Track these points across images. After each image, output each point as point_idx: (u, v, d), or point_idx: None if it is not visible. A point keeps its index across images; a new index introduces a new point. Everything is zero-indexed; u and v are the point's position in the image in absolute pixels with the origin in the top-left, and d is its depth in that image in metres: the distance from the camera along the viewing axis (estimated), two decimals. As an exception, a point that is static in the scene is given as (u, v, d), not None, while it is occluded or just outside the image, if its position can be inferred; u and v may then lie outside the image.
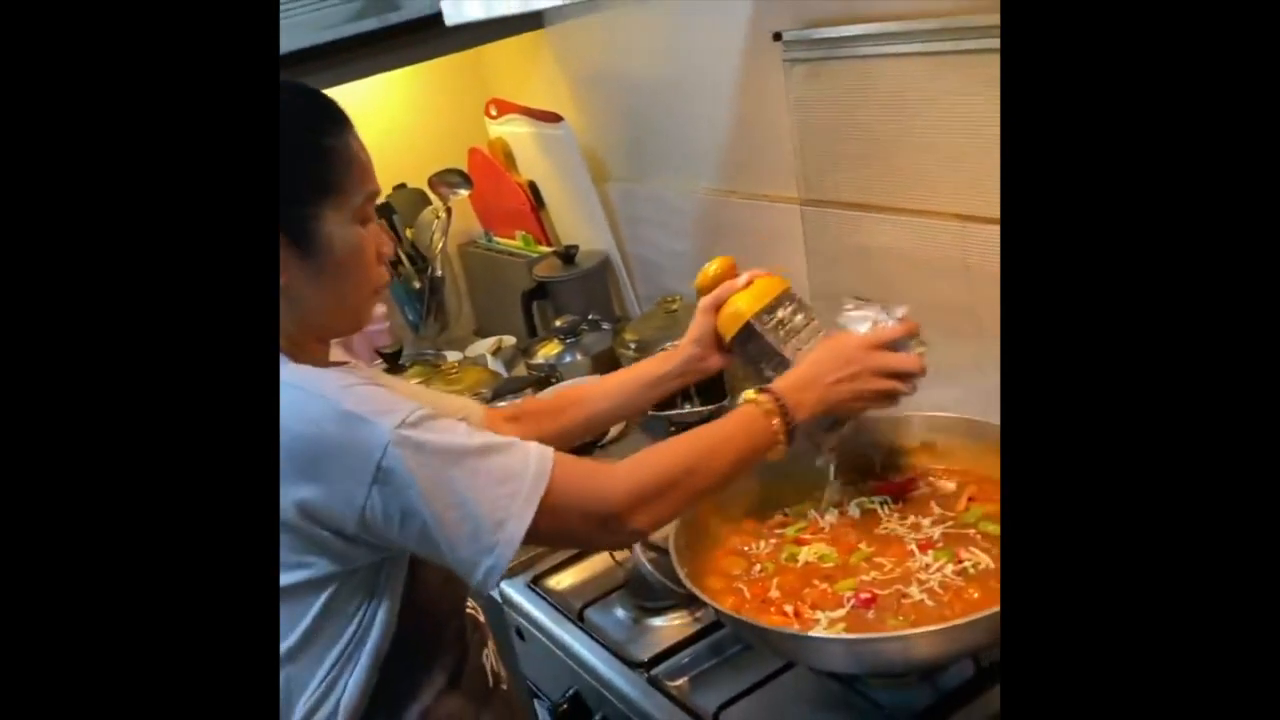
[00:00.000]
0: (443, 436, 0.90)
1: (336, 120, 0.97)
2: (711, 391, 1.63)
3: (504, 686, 1.11)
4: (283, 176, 0.85)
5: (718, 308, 1.23)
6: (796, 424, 1.07)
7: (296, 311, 0.96)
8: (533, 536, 0.91)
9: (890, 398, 1.14)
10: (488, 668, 1.08)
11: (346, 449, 0.88)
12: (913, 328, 1.15)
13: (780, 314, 1.20)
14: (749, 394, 1.09)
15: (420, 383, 1.95)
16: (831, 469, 1.25)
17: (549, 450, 0.95)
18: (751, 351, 1.21)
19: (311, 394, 0.89)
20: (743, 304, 1.20)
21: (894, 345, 1.13)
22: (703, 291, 1.25)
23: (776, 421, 1.06)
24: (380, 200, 2.13)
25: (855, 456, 1.28)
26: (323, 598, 0.94)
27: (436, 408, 1.15)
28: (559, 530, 0.96)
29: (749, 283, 1.22)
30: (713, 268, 1.25)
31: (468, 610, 1.10)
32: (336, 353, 1.09)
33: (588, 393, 1.30)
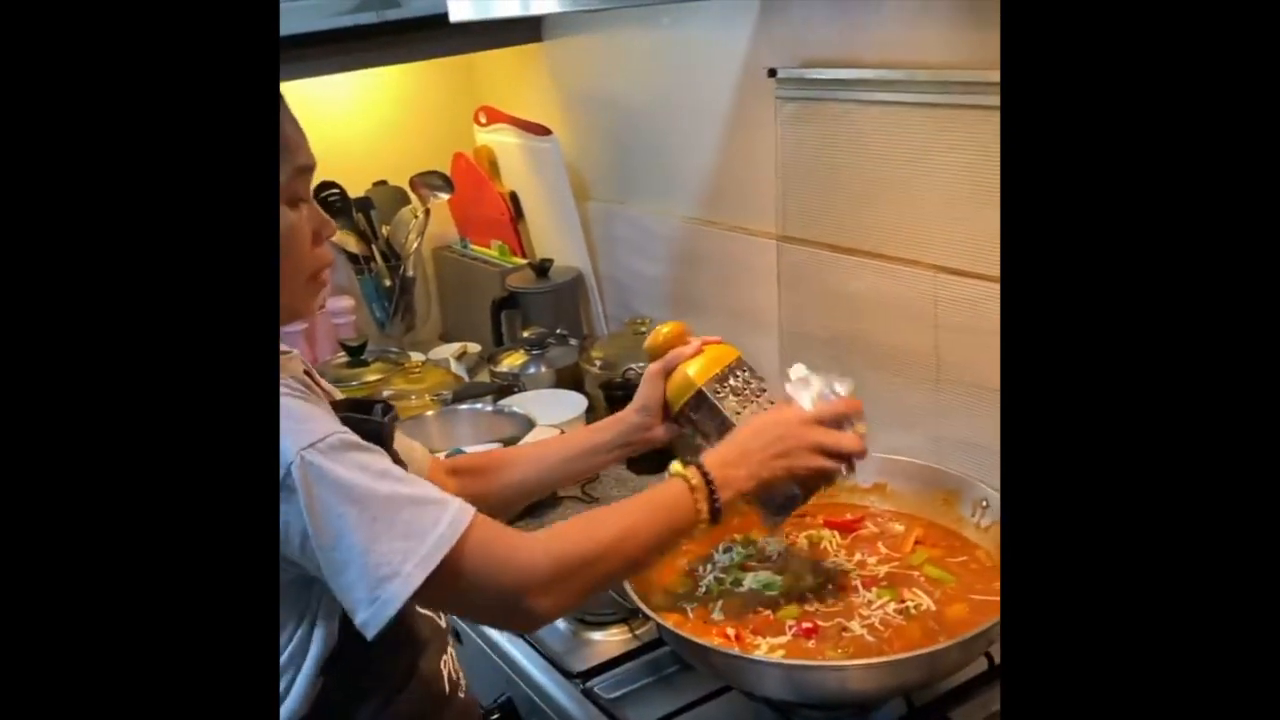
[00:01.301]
0: (350, 472, 0.84)
1: None
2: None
3: (461, 694, 1.07)
4: None
5: (667, 374, 1.16)
6: (722, 504, 1.01)
7: None
8: (425, 600, 0.86)
9: (826, 476, 1.08)
10: (445, 673, 1.04)
11: None
12: (855, 405, 1.10)
13: (733, 383, 1.14)
14: (676, 468, 1.03)
15: (381, 379, 1.95)
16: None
17: (468, 512, 0.88)
18: (700, 422, 1.14)
19: None
20: (695, 372, 1.14)
21: (835, 422, 1.08)
22: (652, 355, 1.19)
23: (702, 501, 1.00)
24: (359, 195, 2.14)
25: None
26: None
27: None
28: (457, 599, 0.91)
29: (699, 350, 1.16)
30: (664, 331, 1.19)
31: (423, 614, 1.05)
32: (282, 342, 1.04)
33: (525, 454, 1.24)
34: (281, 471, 0.82)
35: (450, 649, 1.08)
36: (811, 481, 1.08)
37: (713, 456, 1.04)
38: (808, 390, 1.10)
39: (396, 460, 1.01)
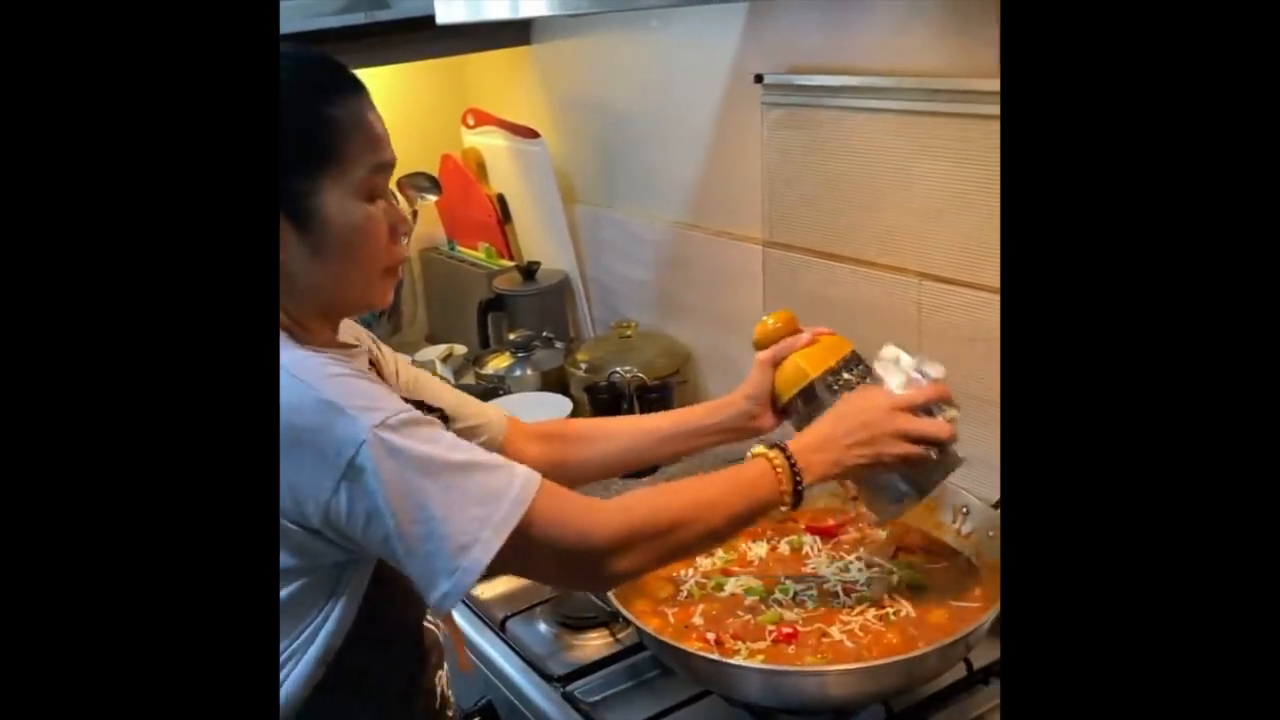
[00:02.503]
0: (422, 445, 0.85)
1: (344, 87, 0.92)
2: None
3: (450, 714, 1.08)
4: (280, 146, 0.80)
5: (776, 363, 1.15)
6: (804, 486, 1.01)
7: (295, 290, 0.92)
8: (501, 566, 0.87)
9: (918, 465, 1.05)
10: (438, 690, 1.05)
11: (320, 439, 0.83)
12: (944, 391, 1.07)
13: (846, 376, 1.11)
14: (760, 449, 1.02)
15: (366, 380, 1.94)
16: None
17: (536, 477, 0.89)
18: (810, 414, 1.11)
19: (293, 377, 0.85)
20: (807, 363, 1.12)
21: (924, 408, 1.06)
22: (761, 345, 1.17)
23: (785, 483, 1.00)
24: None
25: None
26: (282, 594, 0.89)
27: (456, 411, 1.13)
28: (530, 563, 0.92)
29: (812, 340, 1.15)
30: (772, 321, 1.17)
31: (427, 625, 1.06)
32: (349, 333, 1.05)
33: (625, 426, 1.23)
34: (350, 452, 0.83)
35: (445, 667, 1.09)
36: (900, 469, 1.06)
37: (798, 441, 1.03)
38: (897, 373, 1.09)
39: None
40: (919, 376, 1.08)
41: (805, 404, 1.12)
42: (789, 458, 1.01)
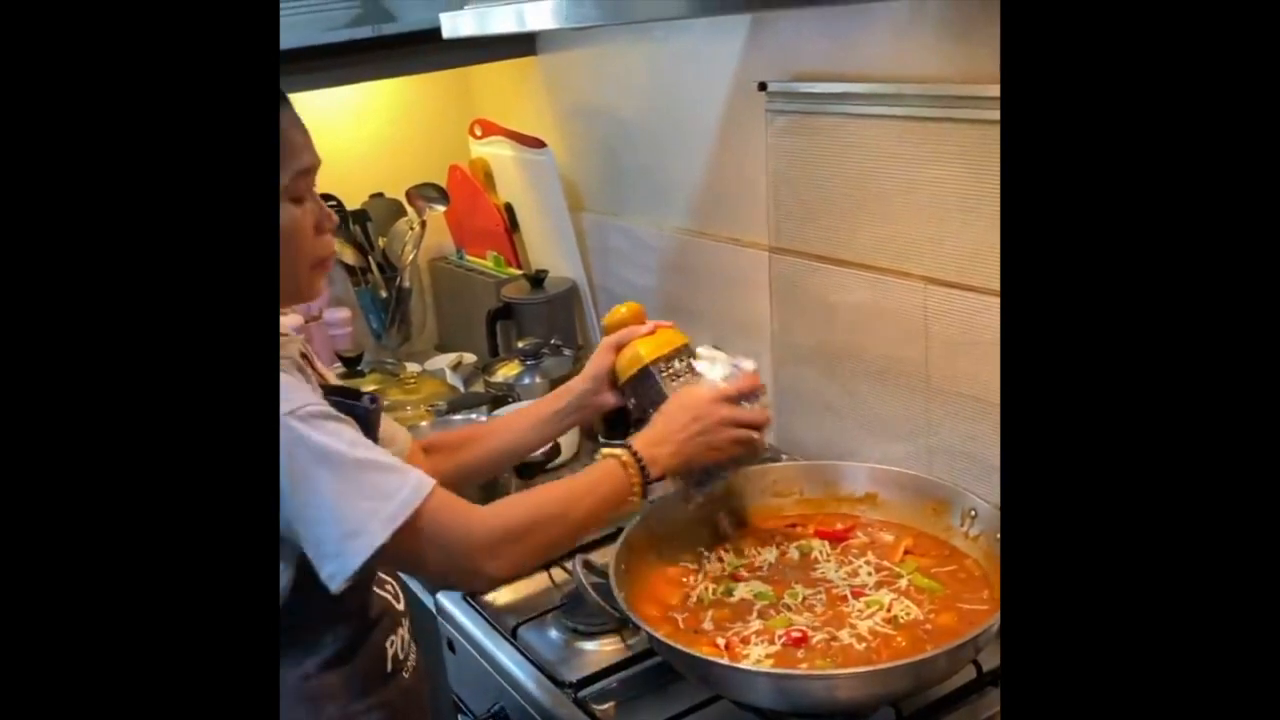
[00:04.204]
0: (325, 438, 0.93)
1: None
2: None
3: (405, 675, 1.11)
4: None
5: (619, 348, 1.26)
6: (652, 479, 1.12)
7: None
8: (388, 558, 0.96)
9: (746, 447, 1.19)
10: (390, 653, 1.09)
11: None
12: (757, 382, 1.22)
13: (676, 365, 1.24)
14: (607, 450, 1.13)
15: (377, 390, 1.95)
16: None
17: (429, 483, 0.97)
18: (643, 395, 1.24)
19: None
20: (644, 349, 1.24)
21: (743, 397, 1.19)
22: (609, 330, 1.29)
23: (635, 477, 1.10)
24: (356, 207, 2.15)
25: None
26: None
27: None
28: (415, 559, 1.00)
29: (653, 331, 1.26)
30: (622, 310, 1.30)
31: (377, 590, 1.11)
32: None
33: (485, 430, 1.32)
34: None
35: (401, 630, 1.13)
36: (730, 454, 1.18)
37: (640, 439, 1.14)
38: (715, 368, 1.22)
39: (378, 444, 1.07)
40: (735, 370, 1.22)
41: (640, 384, 1.24)
42: (635, 454, 1.11)
